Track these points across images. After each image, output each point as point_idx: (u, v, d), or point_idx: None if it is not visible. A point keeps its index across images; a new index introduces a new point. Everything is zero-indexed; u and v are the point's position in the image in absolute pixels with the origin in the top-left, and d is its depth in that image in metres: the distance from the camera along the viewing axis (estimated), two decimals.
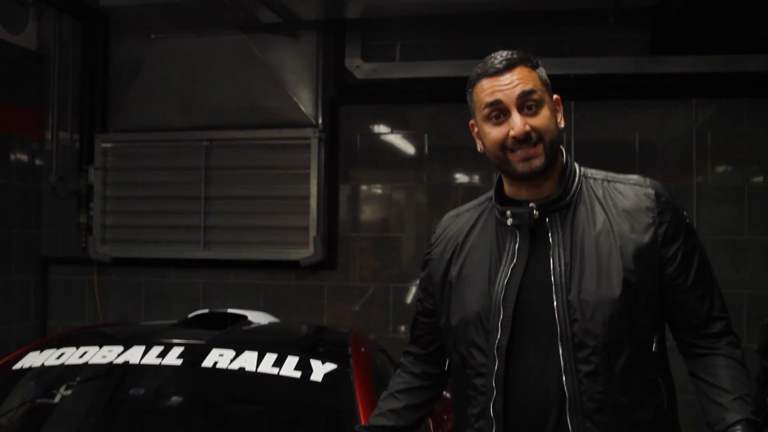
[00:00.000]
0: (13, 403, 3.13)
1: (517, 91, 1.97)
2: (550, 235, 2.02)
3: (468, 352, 2.06)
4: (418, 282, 2.39)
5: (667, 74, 5.75)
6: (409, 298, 6.14)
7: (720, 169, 5.87)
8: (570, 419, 1.92)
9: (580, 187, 2.07)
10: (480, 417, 2.03)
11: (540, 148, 1.97)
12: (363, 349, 3.34)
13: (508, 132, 1.97)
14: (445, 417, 3.56)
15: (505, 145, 1.99)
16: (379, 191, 6.36)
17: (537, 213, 2.02)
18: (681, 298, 2.01)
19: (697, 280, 2.02)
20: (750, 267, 5.69)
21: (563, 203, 2.04)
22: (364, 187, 6.34)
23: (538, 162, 1.98)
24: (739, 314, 5.45)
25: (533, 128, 1.96)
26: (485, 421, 2.01)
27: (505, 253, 2.05)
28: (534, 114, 1.97)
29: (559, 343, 1.94)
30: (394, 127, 6.31)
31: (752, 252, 5.70)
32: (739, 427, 1.90)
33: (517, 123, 1.96)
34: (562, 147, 2.10)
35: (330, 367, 2.95)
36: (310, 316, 6.18)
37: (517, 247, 2.04)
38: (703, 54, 5.64)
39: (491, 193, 2.17)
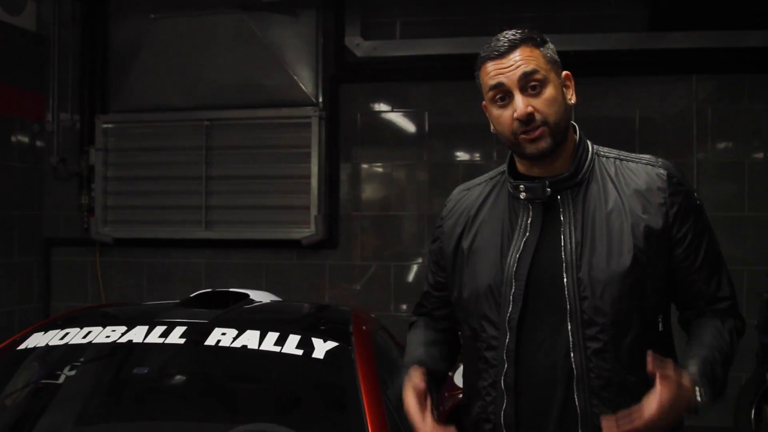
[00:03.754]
0: (18, 384, 3.15)
1: (519, 72, 1.96)
2: (561, 212, 2.02)
3: (479, 324, 2.07)
4: (424, 259, 2.38)
5: (667, 50, 5.75)
6: (411, 277, 6.16)
7: (720, 145, 5.87)
8: (577, 396, 1.94)
9: (593, 165, 2.07)
10: (491, 390, 2.04)
11: (545, 130, 1.96)
12: (364, 327, 3.35)
13: (513, 114, 1.97)
14: (446, 394, 3.59)
15: (514, 130, 1.98)
16: (380, 170, 6.36)
17: (549, 190, 2.02)
18: (689, 278, 2.01)
19: (706, 262, 2.02)
20: (750, 243, 5.70)
21: (575, 181, 2.04)
22: (364, 166, 6.35)
23: (544, 144, 1.97)
24: (738, 291, 5.41)
25: (536, 109, 1.95)
26: (496, 393, 2.02)
27: (518, 227, 2.06)
28: (537, 94, 1.96)
29: (569, 320, 1.95)
30: (395, 106, 6.31)
31: (752, 228, 5.72)
32: (693, 361, 1.90)
33: (519, 105, 1.95)
34: (574, 124, 2.10)
35: (331, 344, 2.96)
36: (312, 294, 6.20)
37: (530, 221, 2.04)
38: (703, 30, 5.63)
39: (503, 167, 2.17)
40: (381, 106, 6.34)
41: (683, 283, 2.03)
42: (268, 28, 6.18)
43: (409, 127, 6.30)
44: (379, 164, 6.36)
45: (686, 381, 1.82)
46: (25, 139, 6.53)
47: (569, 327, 1.95)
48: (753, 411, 5.12)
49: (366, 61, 6.17)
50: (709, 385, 1.86)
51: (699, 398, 1.83)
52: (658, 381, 1.77)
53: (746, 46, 5.62)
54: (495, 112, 2.03)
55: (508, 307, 2.01)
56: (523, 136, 1.98)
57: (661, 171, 2.03)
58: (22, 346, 3.10)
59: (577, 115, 2.19)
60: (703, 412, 1.85)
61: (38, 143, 6.65)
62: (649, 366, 1.78)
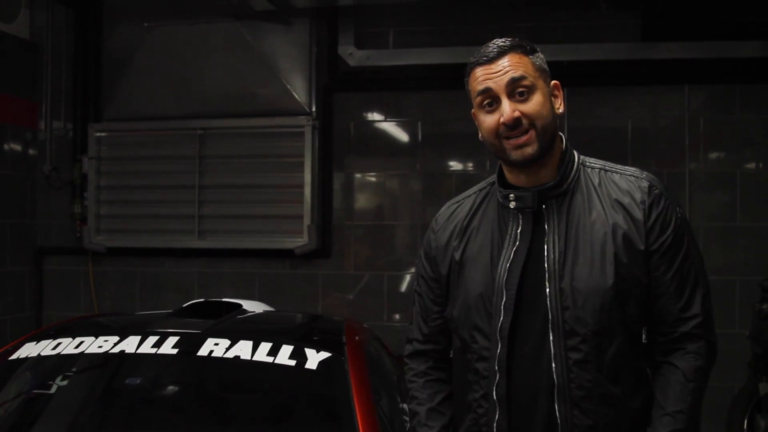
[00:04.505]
0: (9, 394, 3.14)
1: (507, 78, 1.98)
2: (546, 222, 2.03)
3: (470, 335, 2.07)
4: (415, 273, 2.35)
5: (659, 60, 5.76)
6: (404, 287, 6.15)
7: (712, 155, 5.88)
8: (558, 407, 1.94)
9: (578, 175, 2.08)
10: (482, 401, 2.04)
11: (532, 135, 1.98)
12: (357, 338, 3.36)
13: (499, 119, 1.98)
14: None
15: (499, 133, 1.99)
16: (373, 179, 6.37)
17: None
18: (657, 291, 2.00)
19: (677, 275, 2.00)
20: (742, 253, 5.70)
21: (560, 191, 2.05)
22: (358, 175, 6.35)
23: (530, 149, 1.98)
24: (731, 301, 5.48)
25: (523, 114, 1.97)
26: (488, 405, 2.02)
27: (508, 237, 2.06)
28: (525, 100, 1.98)
29: (550, 330, 1.96)
30: (388, 115, 6.32)
31: (744, 238, 5.72)
32: None
33: (506, 109, 1.97)
34: (561, 134, 2.10)
35: (324, 355, 2.96)
36: (305, 304, 6.19)
37: (519, 230, 2.05)
38: (695, 40, 5.65)
39: (492, 178, 2.19)
40: (374, 116, 6.35)
41: (653, 296, 2.01)
42: (261, 37, 6.19)
43: (402, 136, 6.31)
44: (373, 173, 6.36)
45: None
46: (18, 147, 6.51)
47: (551, 337, 1.96)
48: (746, 421, 5.12)
49: (359, 70, 6.18)
50: None
51: None
52: None
53: (738, 57, 5.63)
54: (482, 117, 2.04)
55: (499, 317, 2.01)
56: (509, 141, 1.98)
57: (644, 183, 2.04)
58: (13, 356, 3.10)
59: (569, 125, 2.20)
60: None
61: (31, 151, 6.63)
62: None
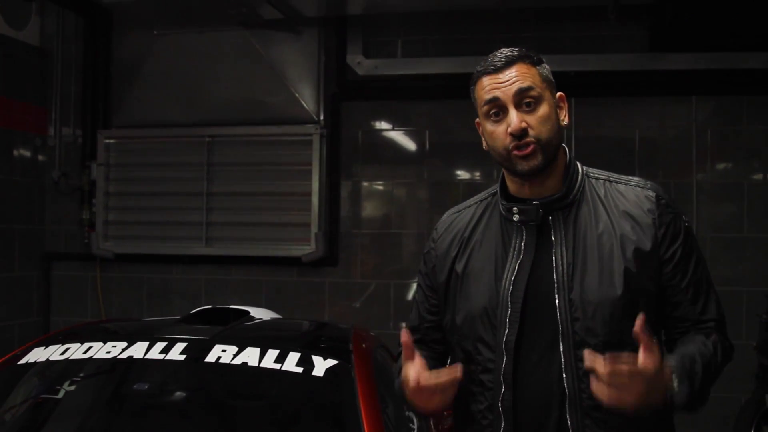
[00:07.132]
0: (17, 398, 3.15)
1: (515, 88, 1.98)
2: (552, 233, 2.03)
3: (474, 347, 2.07)
4: (417, 282, 2.36)
5: (667, 71, 5.77)
6: (410, 295, 6.15)
7: (720, 166, 5.88)
8: (569, 416, 1.94)
9: (583, 186, 2.08)
10: (487, 413, 2.04)
11: (536, 147, 1.98)
12: (364, 345, 3.36)
13: (507, 129, 1.98)
14: (445, 413, 3.59)
15: (507, 145, 1.99)
16: (381, 188, 6.38)
17: (541, 211, 2.03)
18: (674, 299, 2.03)
19: (692, 282, 2.03)
20: (749, 264, 5.69)
21: (566, 202, 2.05)
22: (365, 184, 6.36)
23: (535, 161, 1.98)
24: (737, 311, 5.47)
25: (530, 125, 1.97)
26: (493, 417, 2.02)
27: (512, 250, 2.06)
28: (532, 111, 1.98)
29: (561, 341, 1.96)
30: (396, 124, 6.33)
31: (751, 249, 5.71)
32: (671, 356, 1.90)
33: (513, 120, 1.97)
34: (564, 146, 2.10)
35: (331, 362, 2.96)
36: (312, 312, 6.20)
37: (523, 243, 2.05)
38: (703, 51, 5.65)
39: (494, 189, 2.19)
40: (382, 125, 6.36)
41: (669, 304, 2.04)
42: (270, 45, 6.21)
43: (410, 145, 6.32)
44: (380, 182, 6.37)
45: (666, 365, 1.82)
46: (27, 153, 6.54)
47: (561, 348, 1.96)
48: None
49: (367, 79, 6.20)
50: (687, 378, 1.85)
51: (675, 386, 1.83)
52: (642, 350, 1.77)
53: (746, 68, 5.64)
54: (489, 127, 2.03)
55: (505, 330, 2.01)
56: (515, 152, 1.99)
57: (650, 193, 2.05)
58: (22, 361, 3.11)
59: (576, 135, 2.21)
60: (678, 404, 1.84)
61: (40, 157, 6.66)
62: (637, 327, 1.76)
